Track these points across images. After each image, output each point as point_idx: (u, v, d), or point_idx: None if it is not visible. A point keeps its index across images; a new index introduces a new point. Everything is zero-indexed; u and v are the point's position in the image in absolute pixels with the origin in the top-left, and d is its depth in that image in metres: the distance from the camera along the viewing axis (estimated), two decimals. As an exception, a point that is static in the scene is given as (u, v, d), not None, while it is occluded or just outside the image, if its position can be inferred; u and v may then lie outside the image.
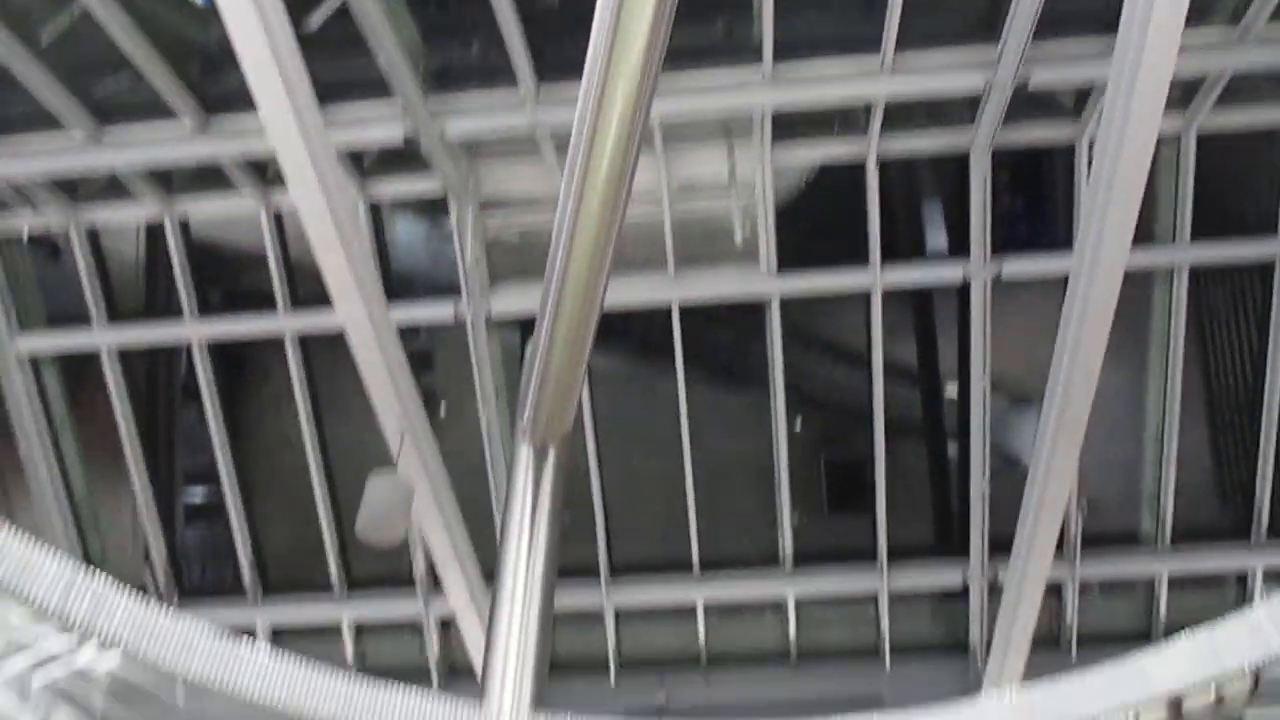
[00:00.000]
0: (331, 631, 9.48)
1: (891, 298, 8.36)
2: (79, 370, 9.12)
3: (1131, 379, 8.66)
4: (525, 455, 4.50)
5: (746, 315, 8.52)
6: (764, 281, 8.27)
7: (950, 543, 9.06)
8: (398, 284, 8.65)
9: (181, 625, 1.99)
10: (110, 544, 9.81)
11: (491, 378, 8.54)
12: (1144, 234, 7.76)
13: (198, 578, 10.21)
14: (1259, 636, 1.91)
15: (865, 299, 8.32)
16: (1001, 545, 8.51)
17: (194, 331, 8.66)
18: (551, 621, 3.69)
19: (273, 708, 2.00)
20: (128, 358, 8.96)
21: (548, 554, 3.97)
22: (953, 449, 8.95)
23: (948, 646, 9.37)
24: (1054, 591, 8.60)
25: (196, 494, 10.18)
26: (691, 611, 9.39)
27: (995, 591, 8.71)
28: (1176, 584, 8.87)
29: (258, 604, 9.44)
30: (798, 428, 9.12)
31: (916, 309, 9.03)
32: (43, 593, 1.83)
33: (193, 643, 1.98)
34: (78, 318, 8.74)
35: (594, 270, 4.43)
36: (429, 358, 9.63)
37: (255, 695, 2.01)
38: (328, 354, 8.60)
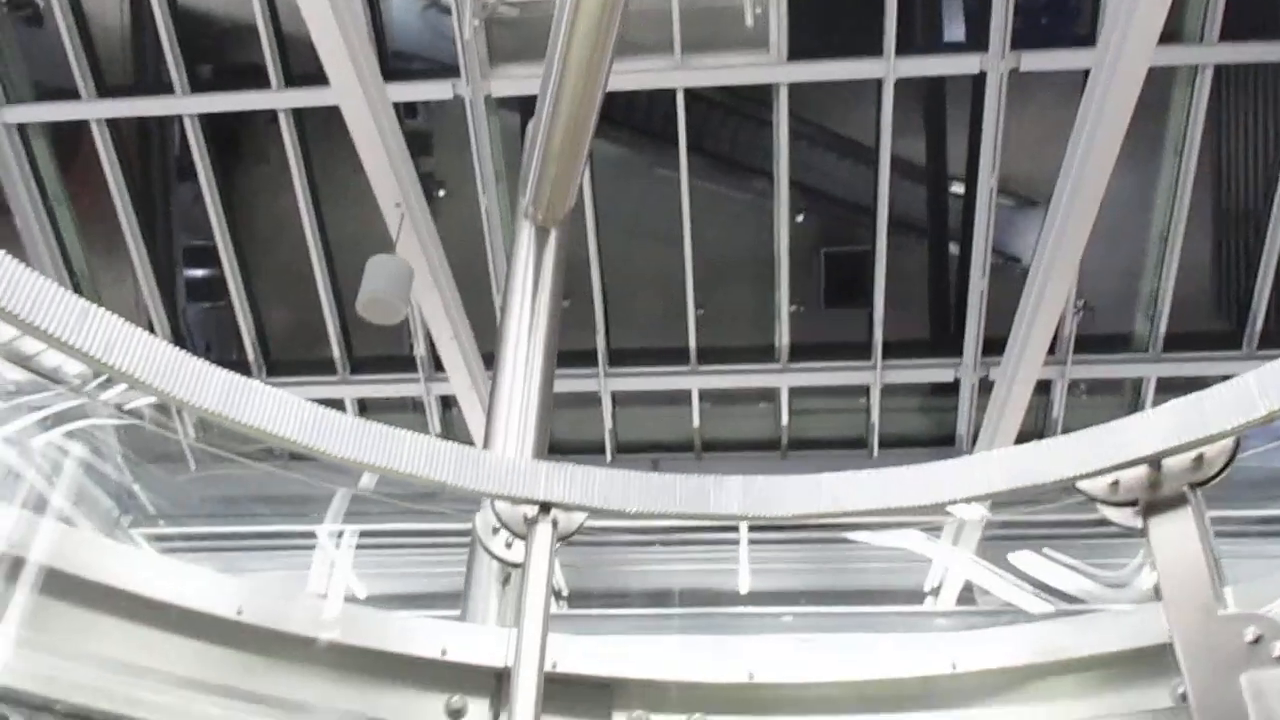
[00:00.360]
0: (335, 408, 9.71)
1: (903, 93, 8.13)
2: (71, 142, 8.95)
3: (1140, 182, 8.54)
4: (527, 234, 4.50)
5: (754, 103, 8.32)
6: (773, 68, 8.02)
7: (945, 340, 9.16)
8: (395, 62, 8.39)
9: (193, 361, 2.03)
10: (114, 320, 9.90)
11: (491, 159, 8.41)
12: (1169, 32, 7.47)
13: (201, 356, 10.36)
14: (1244, 401, 1.96)
15: (876, 91, 8.10)
16: (996, 345, 8.63)
17: (185, 106, 8.45)
18: (551, 392, 3.79)
19: (281, 439, 2.06)
20: (119, 132, 8.78)
21: (548, 329, 4.03)
22: (955, 248, 8.92)
23: (935, 440, 9.65)
24: (1042, 388, 8.77)
25: (198, 272, 10.20)
26: (687, 398, 9.61)
27: (986, 388, 8.89)
28: (1164, 386, 9.05)
29: (262, 381, 9.62)
30: (800, 220, 9.06)
31: (927, 104, 8.80)
32: (55, 325, 1.85)
33: (204, 376, 2.03)
34: (63, 90, 8.51)
35: (598, 48, 4.28)
36: (428, 139, 9.45)
37: (265, 428, 2.07)
38: (324, 132, 8.43)
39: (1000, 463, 2.15)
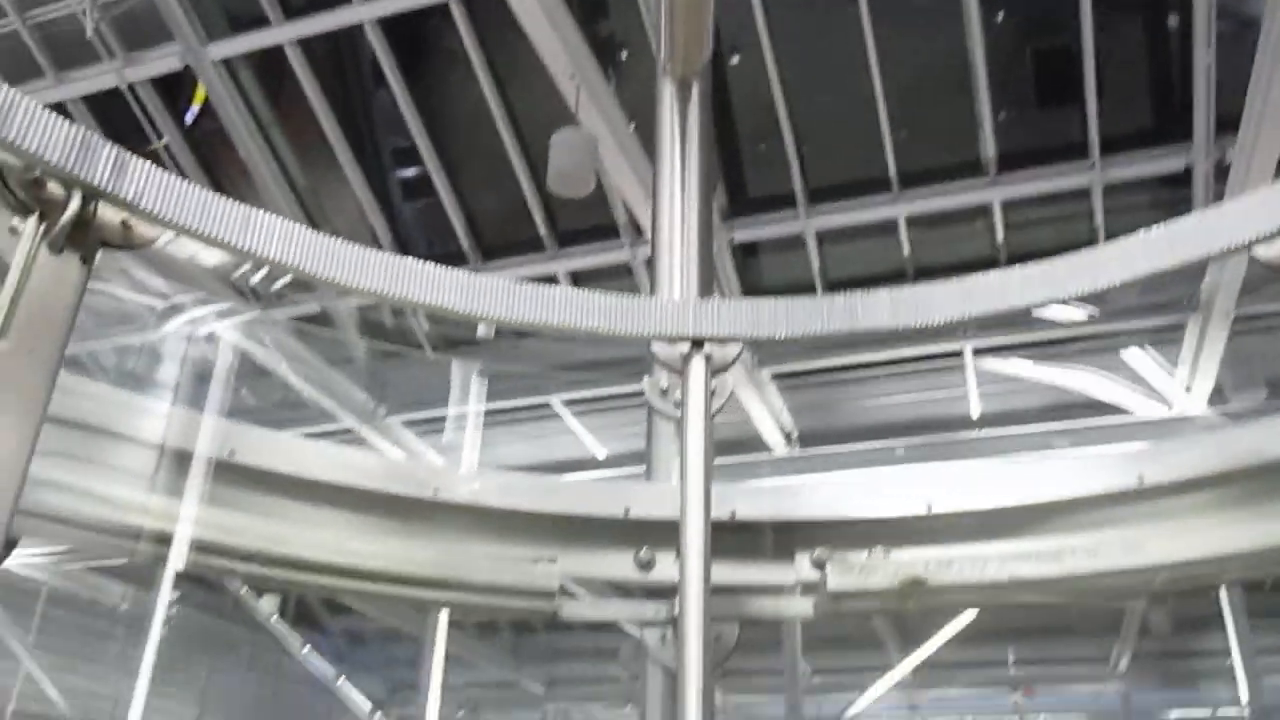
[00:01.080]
0: (549, 283, 10.06)
1: None
2: (273, 67, 9.48)
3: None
4: (668, 92, 4.47)
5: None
6: None
7: (1171, 125, 8.38)
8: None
9: (352, 248, 2.18)
10: (341, 229, 10.59)
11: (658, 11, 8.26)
12: None
13: (424, 251, 10.94)
14: None
15: None
16: (1230, 123, 7.81)
17: (363, 13, 8.75)
18: (710, 239, 3.82)
19: (444, 310, 2.20)
20: (312, 50, 9.21)
21: (701, 179, 4.02)
22: (1174, 20, 8.05)
23: (1170, 235, 8.94)
24: (1291, 162, 7.89)
25: (407, 173, 10.68)
26: (894, 228, 9.33)
27: (1222, 174, 8.12)
28: None
29: (479, 268, 10.11)
30: (999, 19, 8.43)
31: None
32: (222, 230, 2.03)
33: (366, 261, 2.18)
34: (256, 18, 8.98)
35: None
36: (603, 3, 9.37)
37: (428, 301, 2.21)
38: (498, 14, 8.51)
39: (1164, 238, 2.01)
